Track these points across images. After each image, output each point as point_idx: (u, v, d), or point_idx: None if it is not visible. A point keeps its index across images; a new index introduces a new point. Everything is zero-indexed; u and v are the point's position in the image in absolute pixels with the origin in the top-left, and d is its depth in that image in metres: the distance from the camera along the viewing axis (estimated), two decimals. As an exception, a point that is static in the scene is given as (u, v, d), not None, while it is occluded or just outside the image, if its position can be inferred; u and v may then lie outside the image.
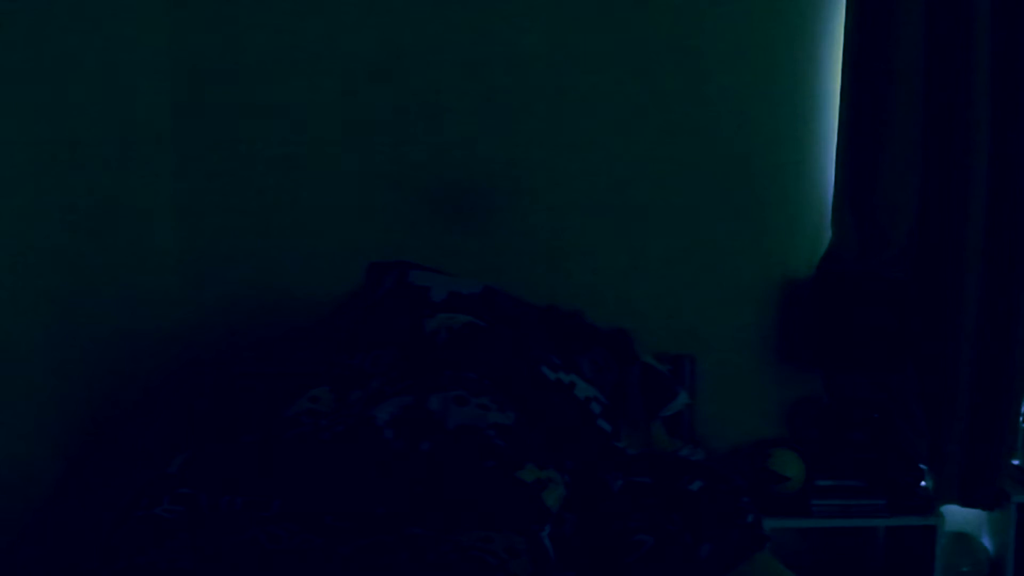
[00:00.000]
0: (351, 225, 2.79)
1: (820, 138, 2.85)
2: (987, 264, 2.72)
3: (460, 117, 2.77)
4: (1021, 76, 2.65)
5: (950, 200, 2.71)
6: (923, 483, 2.77)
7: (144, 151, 2.64)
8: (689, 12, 2.79)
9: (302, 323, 2.77)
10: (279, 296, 2.80)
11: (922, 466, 2.78)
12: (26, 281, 2.01)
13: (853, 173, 2.78)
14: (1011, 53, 2.66)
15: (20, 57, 1.98)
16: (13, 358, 1.95)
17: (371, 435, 1.84)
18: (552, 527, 1.64)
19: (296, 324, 2.78)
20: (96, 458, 2.28)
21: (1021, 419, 2.81)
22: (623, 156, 2.82)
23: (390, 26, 2.73)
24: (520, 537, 1.55)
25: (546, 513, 1.66)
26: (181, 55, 2.70)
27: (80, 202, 2.24)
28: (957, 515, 2.90)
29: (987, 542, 2.92)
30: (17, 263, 1.97)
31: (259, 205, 2.77)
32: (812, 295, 2.78)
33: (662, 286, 2.86)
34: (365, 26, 2.72)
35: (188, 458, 1.81)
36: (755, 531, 1.97)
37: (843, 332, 2.68)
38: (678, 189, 2.84)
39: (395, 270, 2.69)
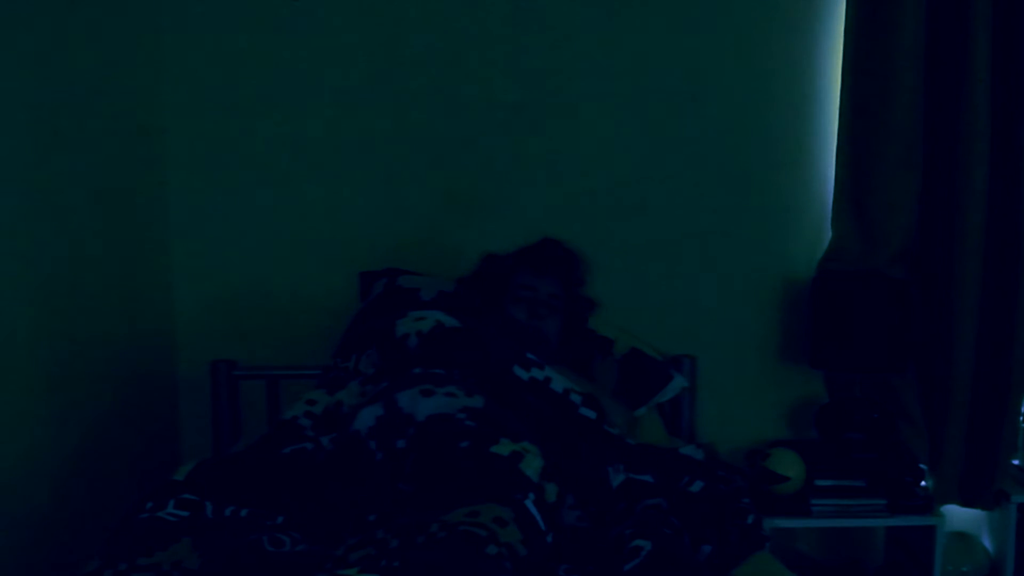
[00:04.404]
0: (351, 225, 2.80)
1: (820, 138, 2.85)
2: (987, 264, 2.72)
3: (461, 118, 2.78)
4: (1021, 76, 2.65)
5: (950, 200, 2.71)
6: (923, 483, 2.77)
7: (144, 151, 2.64)
8: (689, 11, 2.79)
9: (302, 324, 2.79)
10: (280, 297, 2.81)
11: (922, 466, 2.79)
12: (26, 281, 2.01)
13: (853, 173, 2.78)
14: (1011, 53, 2.66)
15: (20, 56, 1.98)
16: (13, 358, 1.95)
17: (359, 450, 1.85)
18: (536, 495, 1.64)
19: (296, 324, 2.79)
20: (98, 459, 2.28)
21: (1021, 419, 2.82)
22: (622, 155, 2.83)
23: (390, 26, 2.73)
24: (506, 508, 1.56)
25: (526, 482, 1.67)
26: (181, 54, 2.71)
27: (80, 202, 2.24)
28: (957, 515, 2.91)
29: (987, 542, 2.92)
30: (17, 263, 1.97)
31: (259, 205, 2.78)
32: (812, 295, 2.78)
33: (662, 286, 2.87)
34: (365, 26, 2.73)
35: (195, 467, 1.82)
36: (755, 532, 1.97)
37: (843, 332, 2.68)
38: (677, 189, 2.85)
39: (384, 276, 2.71)
